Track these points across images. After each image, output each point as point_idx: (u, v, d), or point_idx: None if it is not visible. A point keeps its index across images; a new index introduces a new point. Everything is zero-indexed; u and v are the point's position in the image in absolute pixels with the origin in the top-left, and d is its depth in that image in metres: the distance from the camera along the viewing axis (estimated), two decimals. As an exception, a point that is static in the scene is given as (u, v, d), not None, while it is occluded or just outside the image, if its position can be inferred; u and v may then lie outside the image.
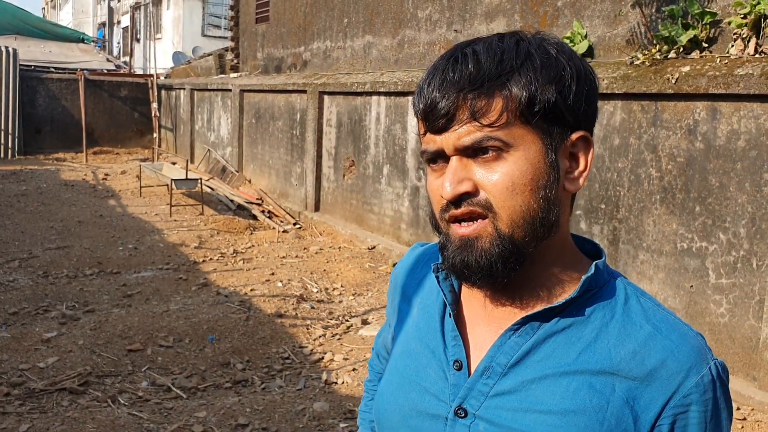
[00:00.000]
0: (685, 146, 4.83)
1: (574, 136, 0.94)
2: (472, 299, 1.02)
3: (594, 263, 0.97)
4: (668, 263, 4.94)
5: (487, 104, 0.88)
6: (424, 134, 0.94)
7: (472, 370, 0.98)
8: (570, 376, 0.92)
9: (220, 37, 23.34)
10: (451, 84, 0.89)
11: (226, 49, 14.90)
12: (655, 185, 5.04)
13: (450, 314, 1.01)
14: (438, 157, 0.93)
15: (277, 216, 10.26)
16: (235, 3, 13.72)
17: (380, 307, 6.16)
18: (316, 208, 9.95)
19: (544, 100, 0.89)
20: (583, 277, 0.95)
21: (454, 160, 0.91)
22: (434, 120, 0.90)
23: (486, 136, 0.88)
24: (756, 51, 4.57)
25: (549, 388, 0.92)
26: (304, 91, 10.05)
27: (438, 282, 1.02)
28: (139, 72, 22.29)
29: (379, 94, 8.38)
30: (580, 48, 5.83)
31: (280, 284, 6.70)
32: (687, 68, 4.76)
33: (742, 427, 4.02)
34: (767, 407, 4.15)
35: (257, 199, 10.99)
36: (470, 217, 0.91)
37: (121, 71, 19.96)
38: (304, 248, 8.36)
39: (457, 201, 0.90)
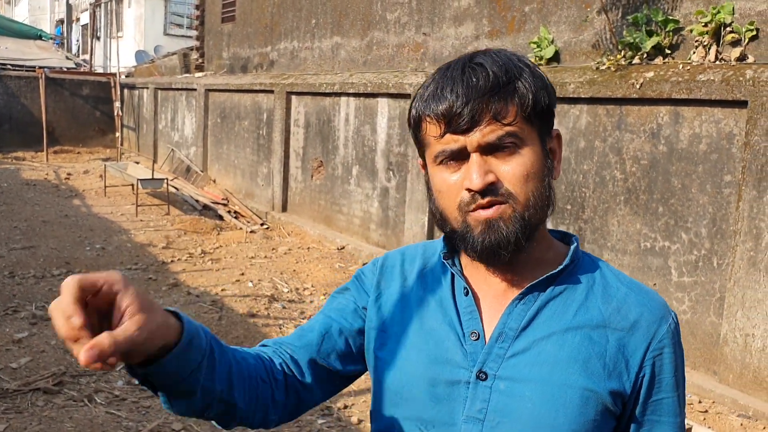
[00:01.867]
0: (649, 149, 5.00)
1: (554, 133, 1.13)
2: (477, 280, 1.16)
3: (573, 238, 1.18)
4: (632, 262, 5.11)
5: (505, 107, 1.04)
6: (442, 135, 1.06)
7: (488, 338, 1.11)
8: (573, 331, 1.09)
9: (182, 36, 23.14)
10: (474, 90, 1.03)
11: (191, 49, 14.81)
12: (619, 187, 5.20)
13: (466, 292, 1.15)
14: (456, 156, 1.06)
15: (243, 216, 10.25)
16: (200, 2, 13.64)
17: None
18: (284, 209, 9.97)
19: (542, 103, 1.07)
20: (572, 248, 1.15)
21: (475, 156, 1.05)
22: (459, 122, 1.03)
23: (507, 132, 1.04)
24: (716, 58, 4.76)
25: (557, 342, 1.09)
26: (272, 91, 10.06)
27: (449, 267, 1.17)
28: (100, 70, 21.98)
29: (348, 95, 8.45)
30: (547, 53, 5.99)
31: (250, 284, 6.73)
32: (651, 74, 4.93)
33: (705, 419, 4.19)
34: (727, 400, 4.33)
35: (223, 199, 10.97)
36: (491, 204, 1.05)
37: (82, 69, 19.66)
38: (273, 249, 8.39)
39: (483, 191, 1.04)
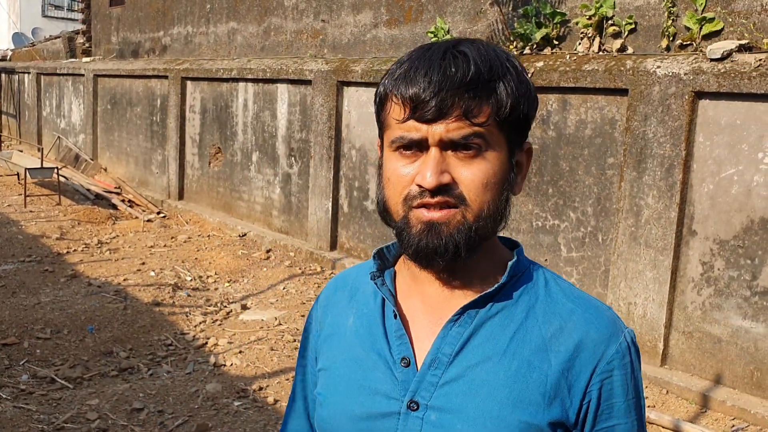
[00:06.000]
0: (540, 134, 5.33)
1: (525, 146, 1.05)
2: (410, 297, 1.07)
3: (515, 251, 1.08)
4: (525, 240, 5.45)
5: (478, 106, 0.94)
6: (405, 120, 0.96)
7: (419, 364, 1.02)
8: (510, 355, 1.00)
9: (63, 18, 22.08)
10: (449, 80, 0.93)
11: (76, 32, 14.20)
12: (514, 170, 5.52)
13: (395, 315, 1.06)
14: (414, 146, 0.97)
15: (138, 205, 10.03)
16: (85, -17, 13.11)
17: (257, 293, 6.29)
18: (180, 197, 9.83)
19: (520, 111, 0.98)
20: (510, 263, 1.04)
21: (434, 151, 0.95)
22: (425, 110, 0.94)
23: (473, 133, 0.95)
24: (600, 49, 5.13)
25: (492, 369, 1.00)
26: (166, 77, 9.86)
27: (378, 287, 1.07)
28: (-29, 53, 20.63)
29: (246, 80, 8.42)
30: (444, 42, 6.23)
31: (152, 273, 6.65)
32: (541, 63, 5.25)
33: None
34: (613, 363, 4.73)
35: (116, 187, 10.67)
36: (441, 206, 0.97)
37: (-48, 52, 18.41)
38: (172, 237, 8.29)
39: (434, 191, 0.96)
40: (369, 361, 1.06)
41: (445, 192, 0.96)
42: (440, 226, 0.96)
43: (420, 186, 0.96)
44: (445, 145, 0.96)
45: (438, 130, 0.94)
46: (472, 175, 0.96)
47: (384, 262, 1.12)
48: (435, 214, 0.96)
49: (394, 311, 1.06)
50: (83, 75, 12.13)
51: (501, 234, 1.10)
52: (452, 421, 0.99)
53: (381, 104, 1.02)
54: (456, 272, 1.03)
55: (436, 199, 0.96)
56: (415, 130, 0.96)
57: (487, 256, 1.04)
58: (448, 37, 6.24)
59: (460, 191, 0.96)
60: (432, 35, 6.32)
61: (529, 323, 1.02)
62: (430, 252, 0.97)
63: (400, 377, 1.02)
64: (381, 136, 1.04)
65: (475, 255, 1.00)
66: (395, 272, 1.11)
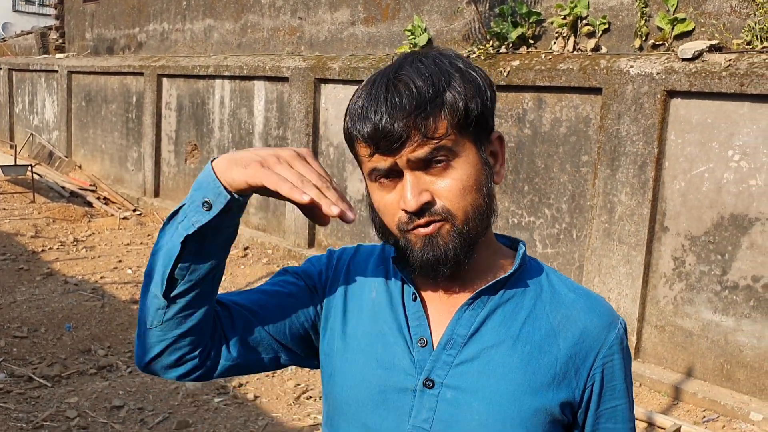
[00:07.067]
0: (516, 132, 5.41)
1: (494, 136, 1.09)
2: (427, 285, 1.13)
3: (521, 244, 1.16)
4: (503, 237, 5.52)
5: (433, 123, 0.99)
6: (372, 155, 1.02)
7: (435, 345, 1.09)
8: (522, 339, 1.08)
9: (35, 13, 21.78)
10: (399, 110, 0.98)
11: (49, 28, 14.04)
12: (490, 167, 5.58)
13: (414, 297, 1.12)
14: (389, 174, 1.02)
15: (114, 203, 9.96)
16: (58, -21, 12.96)
17: (235, 290, 6.30)
18: (156, 194, 9.78)
19: (475, 111, 1.02)
20: (519, 253, 1.13)
21: (408, 175, 1.01)
22: (388, 144, 0.99)
23: (437, 147, 0.99)
24: (574, 48, 5.22)
25: (507, 352, 1.07)
26: (141, 74, 9.80)
27: (400, 271, 1.13)
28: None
29: (223, 77, 8.41)
30: (421, 41, 6.28)
31: (129, 271, 6.63)
32: (517, 62, 5.32)
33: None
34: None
35: (91, 185, 10.58)
36: (429, 224, 1.03)
37: None
38: (148, 235, 8.25)
39: (419, 211, 1.01)
40: (389, 338, 1.11)
41: (429, 208, 1.02)
42: (436, 238, 1.03)
43: (406, 211, 1.02)
44: (416, 165, 1.01)
45: (404, 155, 1.00)
46: (448, 186, 1.02)
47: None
48: (427, 230, 1.03)
49: (413, 293, 1.12)
50: (57, 71, 12.00)
51: (497, 232, 1.18)
52: (468, 400, 1.05)
53: (350, 142, 1.08)
54: (462, 272, 1.08)
55: (424, 219, 1.02)
56: (383, 161, 1.01)
57: (490, 250, 1.12)
58: (425, 35, 6.29)
59: (442, 204, 1.02)
60: (409, 33, 6.37)
61: (538, 310, 1.10)
62: (433, 262, 1.04)
63: (417, 356, 1.09)
64: (360, 167, 1.10)
65: (475, 253, 1.07)
66: None
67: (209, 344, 1.11)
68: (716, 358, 4.36)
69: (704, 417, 4.11)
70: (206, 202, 0.99)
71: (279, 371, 4.53)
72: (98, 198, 10.00)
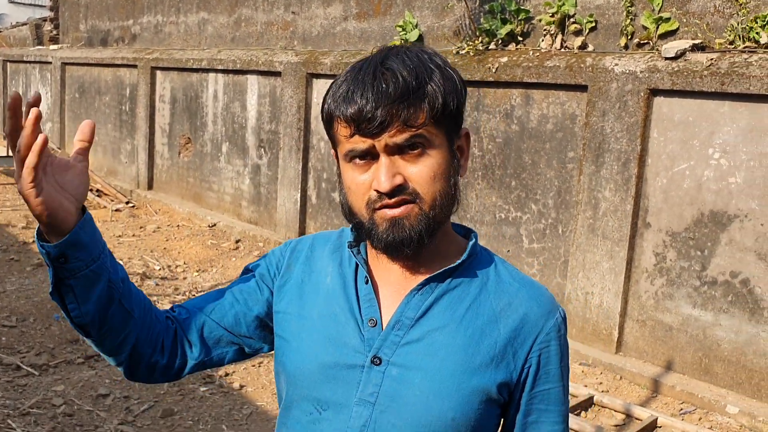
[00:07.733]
0: (503, 128, 5.46)
1: (462, 132, 1.18)
2: (380, 269, 1.21)
3: (472, 234, 1.25)
4: (488, 231, 5.59)
5: (414, 112, 1.07)
6: (352, 136, 1.09)
7: (384, 325, 1.17)
8: (465, 324, 1.16)
9: (30, 4, 21.75)
10: (384, 96, 1.06)
11: (44, 20, 14.04)
12: (477, 163, 5.65)
13: (366, 281, 1.21)
14: (365, 155, 1.10)
15: (107, 194, 10.00)
16: (53, -30, 12.96)
17: (226, 282, 6.35)
18: (149, 186, 9.82)
19: (451, 106, 1.10)
20: (470, 244, 1.21)
21: (383, 158, 1.09)
22: (369, 127, 1.06)
23: (414, 135, 1.08)
24: (562, 46, 5.27)
25: (450, 334, 1.15)
26: (135, 66, 9.83)
27: (354, 256, 1.22)
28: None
29: (216, 71, 8.45)
30: (412, 36, 6.33)
31: (120, 263, 6.67)
32: (505, 59, 5.38)
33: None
34: (570, 351, 4.88)
35: (85, 177, 10.60)
36: (399, 204, 1.10)
37: None
38: (141, 227, 8.30)
39: (391, 193, 1.09)
40: (342, 318, 1.19)
41: (400, 191, 1.10)
42: (402, 221, 1.11)
43: (377, 191, 1.10)
44: (392, 150, 1.09)
45: (383, 140, 1.08)
46: (420, 172, 1.10)
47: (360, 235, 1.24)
48: (396, 211, 1.10)
49: (366, 277, 1.21)
50: (51, 63, 12.02)
51: (463, 224, 1.27)
52: (411, 377, 1.14)
53: (329, 123, 1.14)
54: (420, 255, 1.17)
55: (394, 200, 1.10)
56: (362, 142, 1.09)
57: (446, 238, 1.20)
58: (416, 31, 6.34)
59: (413, 188, 1.10)
60: (401, 29, 6.42)
61: (483, 297, 1.18)
62: (397, 244, 1.12)
63: (366, 335, 1.17)
64: (335, 148, 1.17)
65: (435, 238, 1.15)
66: (368, 245, 1.24)
67: (170, 346, 1.26)
68: (695, 352, 4.43)
69: (681, 409, 4.18)
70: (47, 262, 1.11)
71: (265, 361, 4.59)
72: (91, 190, 10.03)
